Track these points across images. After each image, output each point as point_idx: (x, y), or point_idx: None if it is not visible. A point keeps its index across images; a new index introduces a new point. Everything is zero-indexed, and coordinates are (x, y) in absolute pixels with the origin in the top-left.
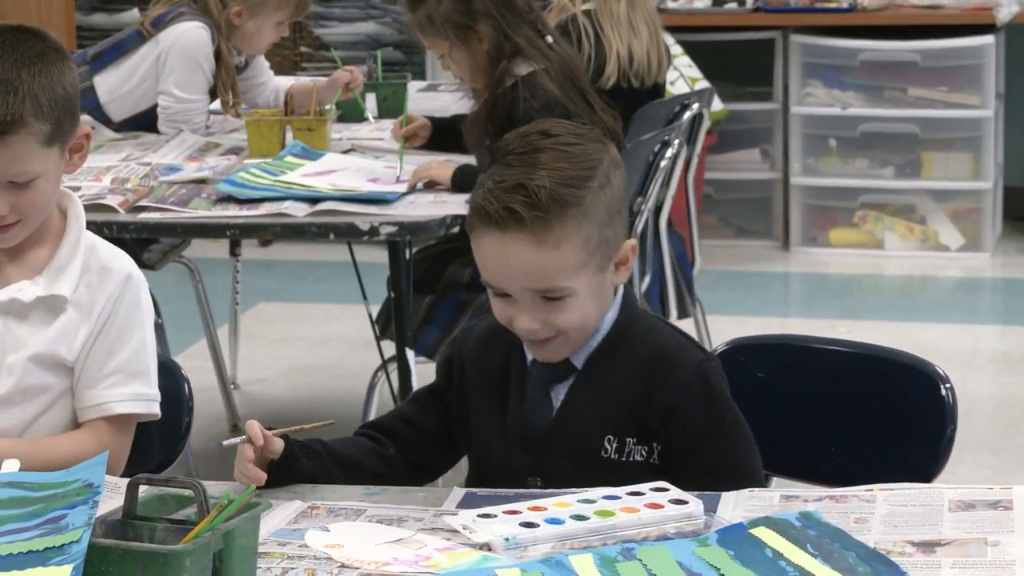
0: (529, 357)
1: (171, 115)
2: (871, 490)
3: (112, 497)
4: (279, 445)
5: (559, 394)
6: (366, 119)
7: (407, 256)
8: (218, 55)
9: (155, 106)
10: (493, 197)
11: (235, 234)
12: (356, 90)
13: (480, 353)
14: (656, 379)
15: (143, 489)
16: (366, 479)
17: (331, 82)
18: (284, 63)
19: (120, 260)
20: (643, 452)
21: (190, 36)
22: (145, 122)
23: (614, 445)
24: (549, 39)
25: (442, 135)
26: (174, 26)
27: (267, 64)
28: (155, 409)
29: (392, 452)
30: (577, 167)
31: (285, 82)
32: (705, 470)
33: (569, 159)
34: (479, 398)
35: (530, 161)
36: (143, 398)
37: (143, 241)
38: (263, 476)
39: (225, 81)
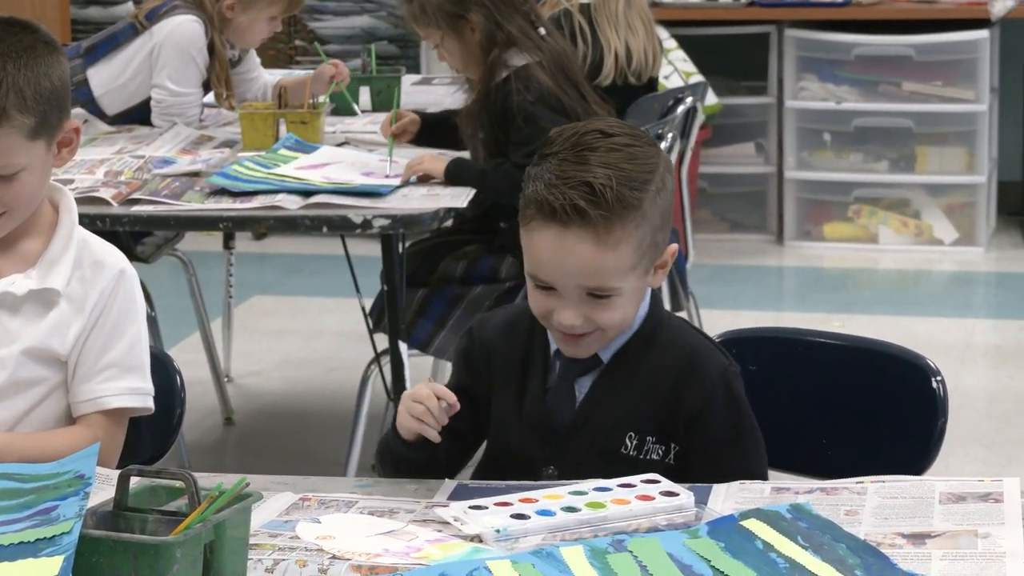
0: (552, 347)
1: (165, 108)
2: (862, 482)
3: (103, 488)
4: (456, 401)
5: (583, 387)
6: (354, 113)
7: (400, 249)
8: (212, 48)
9: (149, 99)
10: (558, 192)
11: (228, 227)
12: (341, 84)
13: (502, 341)
14: (683, 382)
15: (134, 480)
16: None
17: (316, 76)
18: (279, 56)
19: (113, 255)
20: (660, 451)
21: (183, 30)
22: (139, 115)
23: (634, 442)
24: (542, 31)
25: (431, 131)
26: (167, 19)
27: (258, 60)
28: (149, 403)
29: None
30: (638, 169)
31: (273, 77)
32: (721, 475)
33: (631, 160)
34: (500, 384)
35: (591, 159)
36: (138, 392)
37: (136, 234)
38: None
39: (219, 74)
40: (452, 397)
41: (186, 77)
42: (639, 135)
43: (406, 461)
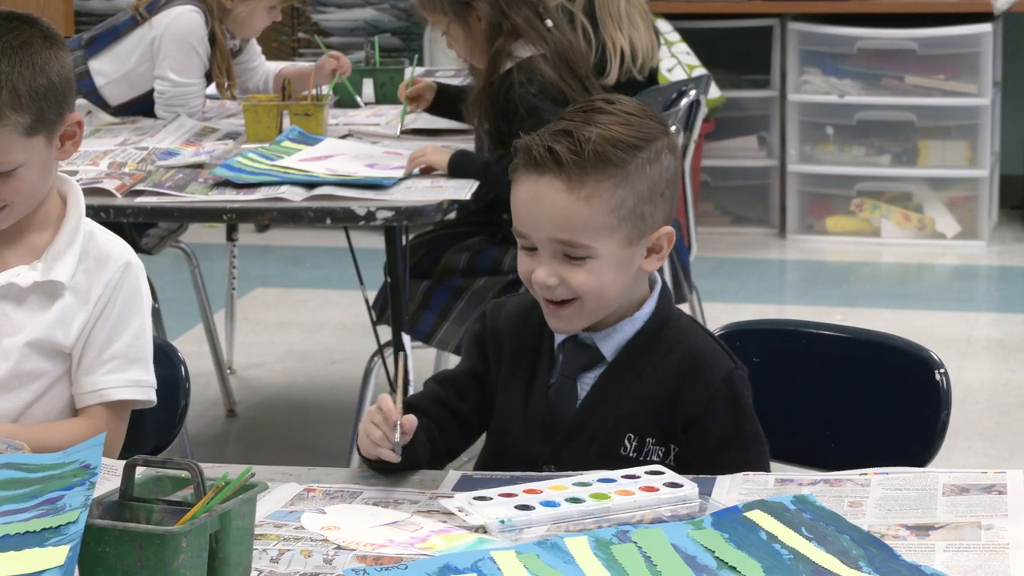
0: (557, 340)
1: (168, 99)
2: (866, 474)
3: (109, 479)
4: (411, 425)
5: (585, 384)
6: (357, 105)
7: (403, 241)
8: (212, 38)
9: (152, 90)
10: (540, 138)
11: (232, 218)
12: (343, 76)
13: (513, 329)
14: (686, 384)
15: (140, 471)
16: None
17: (317, 68)
18: (282, 48)
19: (119, 247)
20: (660, 453)
21: (184, 20)
22: (142, 107)
23: (634, 444)
24: (549, 23)
25: (446, 101)
26: (167, 10)
27: (259, 49)
28: (152, 396)
29: (436, 436)
30: (630, 134)
31: (274, 67)
32: None
33: (625, 125)
34: (507, 374)
35: (586, 118)
36: (141, 384)
37: (140, 226)
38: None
39: (220, 64)
40: (409, 423)
41: (188, 67)
42: (647, 112)
43: (375, 473)
